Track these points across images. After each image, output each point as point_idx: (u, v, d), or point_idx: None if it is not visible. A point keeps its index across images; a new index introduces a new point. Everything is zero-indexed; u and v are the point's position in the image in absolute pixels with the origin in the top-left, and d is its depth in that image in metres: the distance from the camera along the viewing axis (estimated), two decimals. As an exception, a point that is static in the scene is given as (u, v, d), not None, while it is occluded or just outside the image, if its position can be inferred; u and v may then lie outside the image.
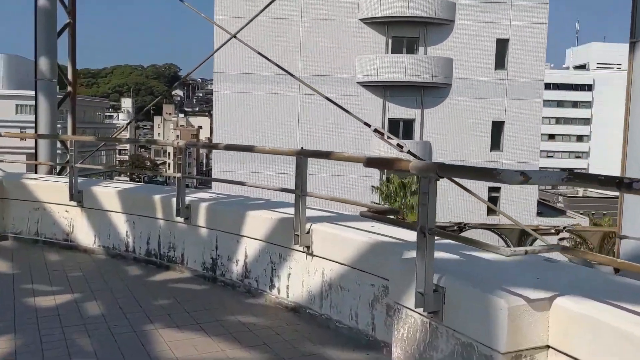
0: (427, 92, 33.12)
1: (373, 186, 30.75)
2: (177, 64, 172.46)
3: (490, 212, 29.70)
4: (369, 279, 3.83)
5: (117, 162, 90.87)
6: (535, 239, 20.32)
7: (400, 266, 3.06)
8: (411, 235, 3.37)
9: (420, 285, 2.74)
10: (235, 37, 5.54)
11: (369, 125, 4.70)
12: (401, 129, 33.50)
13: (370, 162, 3.17)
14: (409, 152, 4.46)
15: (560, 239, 21.30)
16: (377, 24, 32.74)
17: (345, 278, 4.05)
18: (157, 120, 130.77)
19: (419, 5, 32.05)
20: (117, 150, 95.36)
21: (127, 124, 7.96)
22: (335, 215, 4.66)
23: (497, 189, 33.06)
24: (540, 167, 38.73)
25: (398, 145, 4.46)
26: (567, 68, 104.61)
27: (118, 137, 7.24)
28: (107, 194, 6.54)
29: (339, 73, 31.93)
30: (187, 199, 5.70)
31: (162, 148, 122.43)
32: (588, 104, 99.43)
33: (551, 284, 2.61)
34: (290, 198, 4.56)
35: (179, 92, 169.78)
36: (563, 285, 2.62)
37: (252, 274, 5.01)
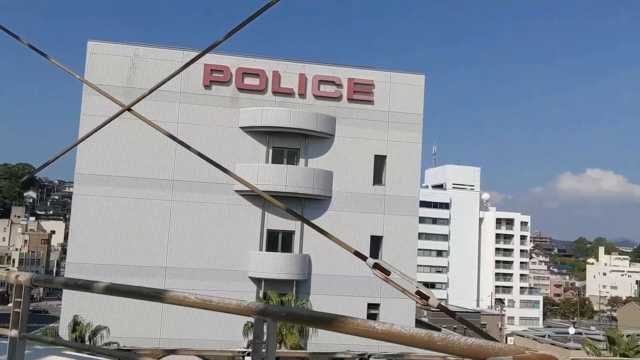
0: (307, 204, 32.18)
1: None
2: (33, 164, 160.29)
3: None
4: None
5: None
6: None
7: None
8: None
9: None
10: (129, 110, 3.59)
11: (364, 258, 2.79)
12: (280, 241, 32.04)
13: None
14: (439, 306, 2.58)
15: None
16: (258, 133, 31.85)
17: None
18: (3, 223, 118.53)
19: (300, 118, 31.82)
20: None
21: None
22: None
23: (376, 306, 31.98)
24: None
25: (418, 293, 2.56)
26: (427, 187, 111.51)
27: None
28: None
29: (216, 181, 30.03)
30: (27, 373, 3.27)
31: (7, 253, 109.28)
32: (446, 221, 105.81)
33: None
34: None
35: (31, 194, 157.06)
36: None
37: None
